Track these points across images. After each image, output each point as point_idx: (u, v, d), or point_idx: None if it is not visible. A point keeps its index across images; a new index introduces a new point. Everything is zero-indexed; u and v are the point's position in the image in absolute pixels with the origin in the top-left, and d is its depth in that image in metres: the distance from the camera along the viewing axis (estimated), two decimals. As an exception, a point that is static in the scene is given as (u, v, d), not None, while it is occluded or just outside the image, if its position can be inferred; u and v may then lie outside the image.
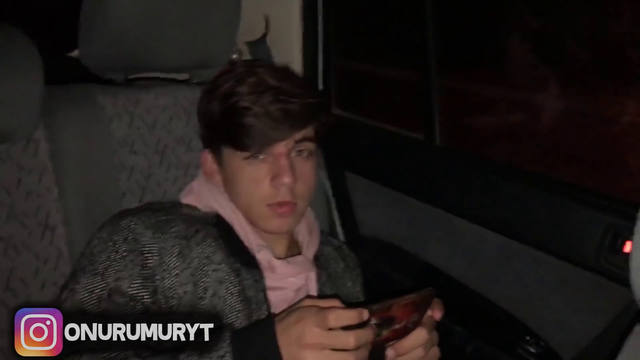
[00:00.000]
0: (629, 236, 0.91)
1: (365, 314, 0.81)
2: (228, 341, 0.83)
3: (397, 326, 0.87)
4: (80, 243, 1.06)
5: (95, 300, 0.93)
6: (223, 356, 0.81)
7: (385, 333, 0.86)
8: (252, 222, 1.07)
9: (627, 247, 1.02)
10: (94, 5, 1.12)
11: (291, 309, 0.84)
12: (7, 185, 1.02)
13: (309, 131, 1.08)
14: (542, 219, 1.17)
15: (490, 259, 1.31)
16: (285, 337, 0.81)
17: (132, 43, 1.17)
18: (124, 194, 1.17)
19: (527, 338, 1.23)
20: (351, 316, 0.80)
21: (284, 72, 1.14)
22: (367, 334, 0.81)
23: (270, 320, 0.84)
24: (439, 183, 1.38)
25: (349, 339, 0.79)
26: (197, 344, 0.84)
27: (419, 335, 0.92)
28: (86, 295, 0.93)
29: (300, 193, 1.06)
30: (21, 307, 0.80)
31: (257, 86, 1.05)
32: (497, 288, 1.30)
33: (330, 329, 0.80)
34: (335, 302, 0.84)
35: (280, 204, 1.04)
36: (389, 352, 0.92)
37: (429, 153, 1.41)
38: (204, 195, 1.11)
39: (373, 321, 0.83)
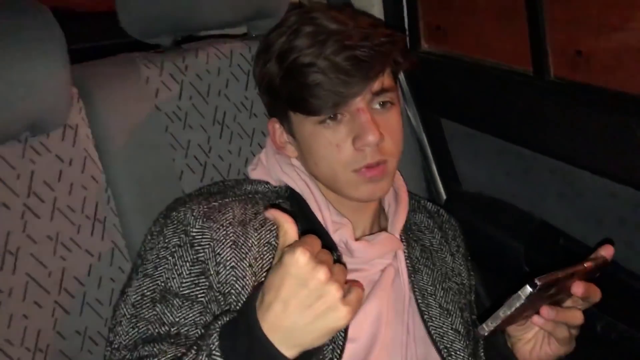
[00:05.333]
0: None
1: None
2: (216, 334, 0.72)
3: (558, 296, 0.85)
4: (138, 233, 0.98)
5: (148, 303, 0.85)
6: (210, 354, 0.70)
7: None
8: (338, 192, 0.93)
9: None
10: None
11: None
12: (47, 179, 0.94)
13: (386, 80, 0.91)
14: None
15: (624, 219, 1.07)
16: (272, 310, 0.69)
17: (174, 0, 1.02)
18: (182, 173, 1.06)
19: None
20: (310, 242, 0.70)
21: (347, 11, 0.96)
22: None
23: (252, 298, 0.73)
24: (554, 128, 1.13)
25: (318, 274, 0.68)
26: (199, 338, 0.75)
27: (577, 317, 0.86)
28: (138, 298, 0.85)
29: (388, 150, 0.91)
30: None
31: (317, 35, 0.89)
32: (632, 254, 1.06)
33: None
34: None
35: (369, 167, 0.89)
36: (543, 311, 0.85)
37: (541, 90, 1.15)
38: (272, 167, 0.98)
39: (552, 291, 0.80)
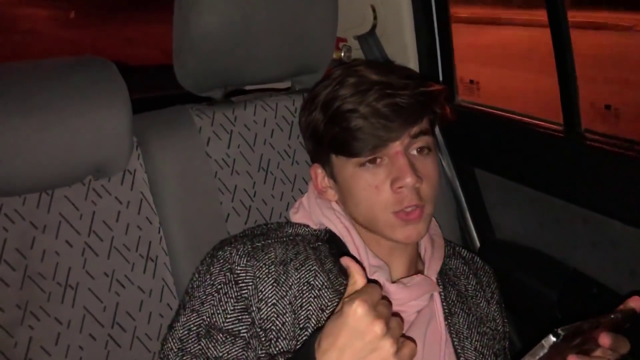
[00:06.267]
0: None
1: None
2: None
3: (586, 346, 0.83)
4: (186, 272, 1.03)
5: (194, 338, 0.89)
6: None
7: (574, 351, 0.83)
8: (377, 233, 0.98)
9: None
10: (182, 26, 1.07)
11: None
12: (107, 220, 1.01)
13: (424, 125, 0.96)
14: None
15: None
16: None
17: (226, 59, 1.11)
18: (229, 216, 1.13)
19: None
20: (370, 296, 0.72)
21: (387, 65, 1.02)
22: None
23: (311, 341, 0.75)
24: (586, 179, 1.16)
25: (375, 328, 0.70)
26: None
27: None
28: (185, 332, 0.90)
29: (425, 195, 0.95)
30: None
31: (360, 85, 0.95)
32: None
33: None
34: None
35: (407, 212, 0.93)
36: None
37: (572, 142, 1.19)
38: (313, 211, 1.03)
39: (578, 341, 0.79)
